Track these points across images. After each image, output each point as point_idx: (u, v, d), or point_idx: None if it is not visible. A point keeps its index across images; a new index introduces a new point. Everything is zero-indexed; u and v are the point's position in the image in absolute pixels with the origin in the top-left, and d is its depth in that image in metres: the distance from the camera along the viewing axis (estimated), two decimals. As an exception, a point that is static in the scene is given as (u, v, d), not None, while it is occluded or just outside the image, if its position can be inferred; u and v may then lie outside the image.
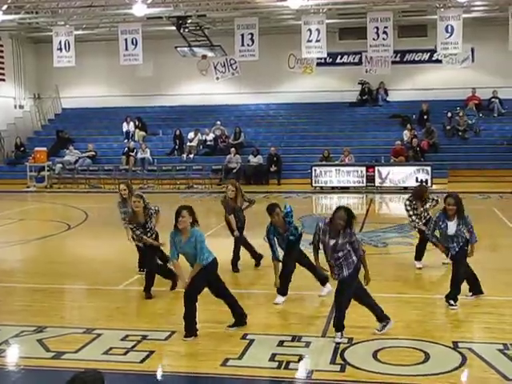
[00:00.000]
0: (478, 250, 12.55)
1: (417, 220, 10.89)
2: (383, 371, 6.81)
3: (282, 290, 9.27)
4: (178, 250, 7.99)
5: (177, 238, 7.99)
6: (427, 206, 10.89)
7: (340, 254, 7.46)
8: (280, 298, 9.29)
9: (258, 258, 11.40)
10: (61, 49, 24.39)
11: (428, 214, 10.80)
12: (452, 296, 8.90)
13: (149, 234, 10.09)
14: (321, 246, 7.75)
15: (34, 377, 7.07)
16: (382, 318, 7.90)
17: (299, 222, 13.43)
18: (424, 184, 11.27)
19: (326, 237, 7.56)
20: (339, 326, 7.64)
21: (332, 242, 7.50)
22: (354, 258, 7.53)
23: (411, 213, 10.90)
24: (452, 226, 8.77)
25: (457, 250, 8.85)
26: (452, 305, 8.87)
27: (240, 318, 8.30)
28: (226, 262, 12.08)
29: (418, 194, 10.96)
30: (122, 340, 7.87)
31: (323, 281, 9.43)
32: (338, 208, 7.63)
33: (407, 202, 10.96)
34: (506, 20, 21.90)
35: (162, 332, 8.12)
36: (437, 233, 9.11)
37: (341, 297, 7.66)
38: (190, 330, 7.87)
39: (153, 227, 10.16)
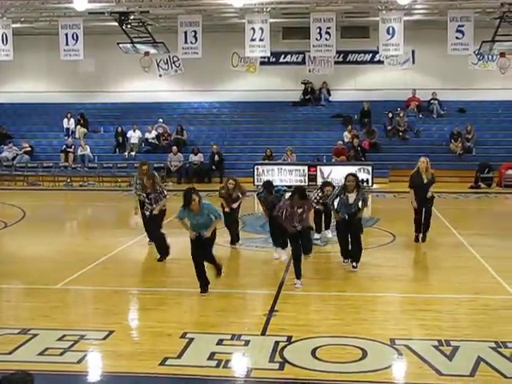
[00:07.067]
0: (415, 249, 12.87)
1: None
2: (322, 369, 6.87)
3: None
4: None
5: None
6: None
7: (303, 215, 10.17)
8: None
9: None
10: (-2, 42, 23.79)
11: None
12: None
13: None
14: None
15: (-35, 379, 6.86)
16: None
17: (240, 220, 13.44)
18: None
19: (294, 208, 10.05)
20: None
21: (299, 210, 10.07)
22: None
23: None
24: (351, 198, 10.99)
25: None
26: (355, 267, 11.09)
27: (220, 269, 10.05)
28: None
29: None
30: (58, 340, 7.73)
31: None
32: (293, 191, 10.28)
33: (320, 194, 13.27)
34: (446, 24, 22.33)
35: (100, 332, 8.01)
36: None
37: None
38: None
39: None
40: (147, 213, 12.29)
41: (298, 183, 23.84)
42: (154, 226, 12.21)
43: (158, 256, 11.86)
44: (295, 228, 10.10)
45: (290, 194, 10.57)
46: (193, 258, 9.76)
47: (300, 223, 10.12)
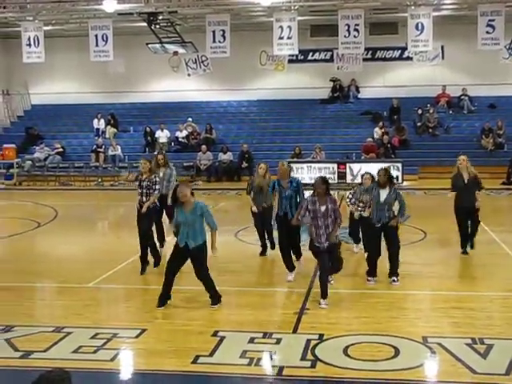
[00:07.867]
0: (446, 246, 12.74)
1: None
2: (354, 367, 6.85)
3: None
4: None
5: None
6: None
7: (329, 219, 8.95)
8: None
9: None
10: (30, 44, 24.07)
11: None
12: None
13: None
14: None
15: (1, 377, 6.98)
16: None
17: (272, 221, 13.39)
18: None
19: (315, 205, 8.93)
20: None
21: (322, 208, 8.92)
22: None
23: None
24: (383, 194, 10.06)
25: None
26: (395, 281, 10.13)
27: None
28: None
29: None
30: (91, 338, 7.81)
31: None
32: (316, 180, 9.19)
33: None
34: (475, 18, 22.09)
35: (133, 330, 8.08)
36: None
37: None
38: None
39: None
40: (139, 206, 11.16)
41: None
42: (142, 227, 11.08)
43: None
44: (320, 244, 8.98)
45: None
46: (166, 266, 9.02)
47: (326, 233, 8.94)
